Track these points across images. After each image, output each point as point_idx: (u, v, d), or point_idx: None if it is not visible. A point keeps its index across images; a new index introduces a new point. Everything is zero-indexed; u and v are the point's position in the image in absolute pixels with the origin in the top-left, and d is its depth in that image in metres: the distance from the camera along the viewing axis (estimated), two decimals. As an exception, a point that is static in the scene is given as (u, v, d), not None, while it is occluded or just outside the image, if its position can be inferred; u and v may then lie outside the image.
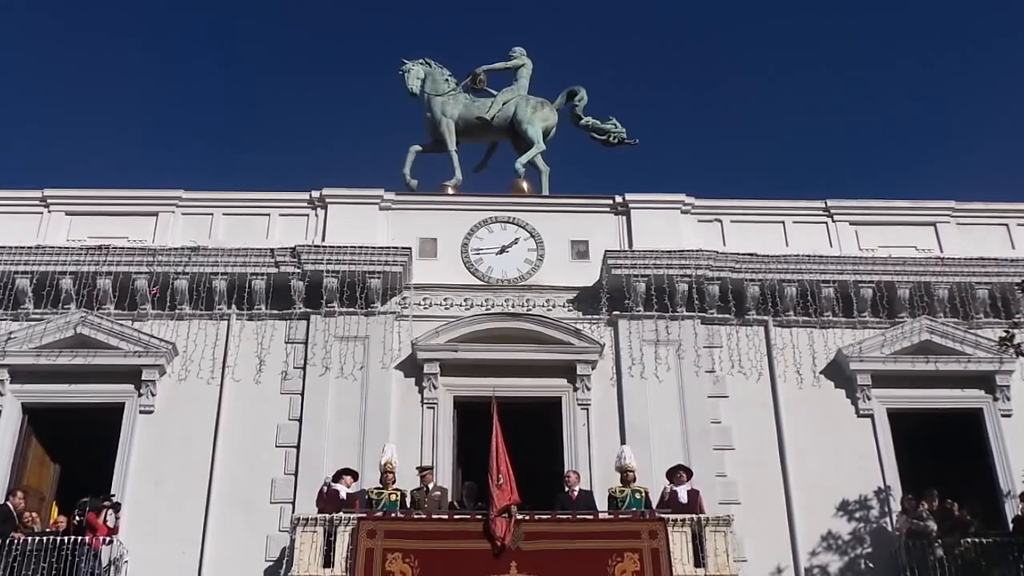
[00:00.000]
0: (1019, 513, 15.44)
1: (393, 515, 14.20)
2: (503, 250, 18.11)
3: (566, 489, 14.97)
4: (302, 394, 16.57)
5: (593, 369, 16.86)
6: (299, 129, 45.23)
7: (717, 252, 17.54)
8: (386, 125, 40.50)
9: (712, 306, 17.40)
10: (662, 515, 14.11)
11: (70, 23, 43.86)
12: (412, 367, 16.81)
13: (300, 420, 16.35)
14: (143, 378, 16.47)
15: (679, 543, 13.82)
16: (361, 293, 17.05)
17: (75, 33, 44.67)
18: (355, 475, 15.15)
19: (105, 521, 14.61)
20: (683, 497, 14.60)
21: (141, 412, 16.37)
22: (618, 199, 18.55)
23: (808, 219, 18.63)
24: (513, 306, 17.47)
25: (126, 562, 14.98)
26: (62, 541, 14.25)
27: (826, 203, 18.69)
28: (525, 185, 19.86)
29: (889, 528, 15.78)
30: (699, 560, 13.88)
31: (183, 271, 17.07)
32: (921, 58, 44.89)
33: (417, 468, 15.23)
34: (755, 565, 15.27)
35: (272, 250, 17.29)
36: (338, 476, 14.98)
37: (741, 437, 16.52)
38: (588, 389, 16.70)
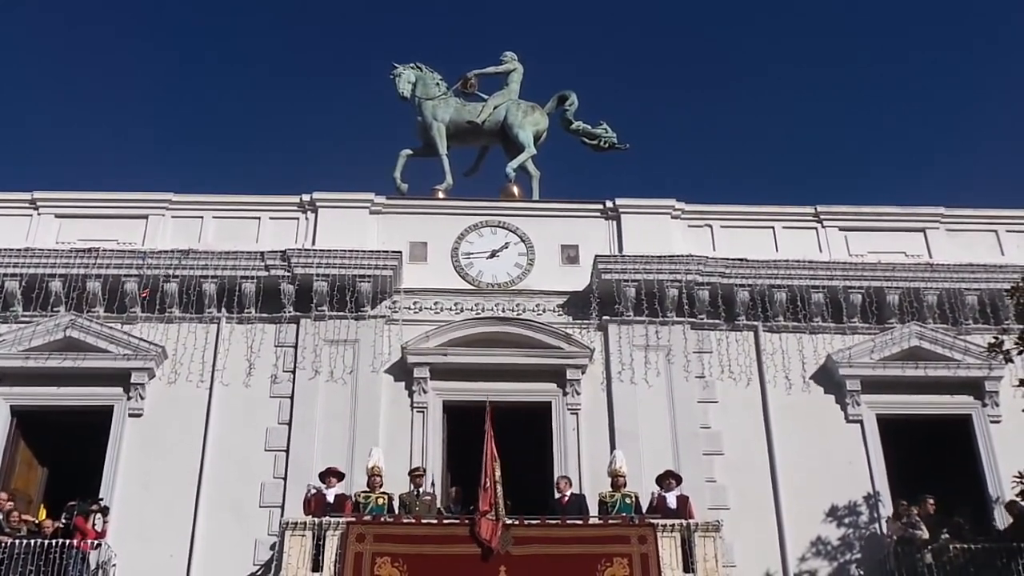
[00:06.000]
0: (1008, 519, 15.46)
1: (382, 519, 14.18)
2: (493, 254, 18.09)
3: (557, 495, 14.97)
4: (291, 398, 16.54)
5: (583, 374, 16.85)
6: (290, 133, 45.31)
7: (707, 257, 17.55)
8: (377, 129, 40.65)
9: (702, 311, 17.41)
10: (652, 520, 14.11)
11: (60, 25, 43.81)
12: (402, 371, 16.78)
13: (289, 424, 16.32)
14: (132, 381, 16.43)
15: (668, 548, 13.82)
16: (351, 297, 17.02)
17: (65, 36, 44.63)
18: (340, 475, 15.13)
19: (93, 525, 14.57)
20: (672, 503, 14.63)
21: (130, 415, 16.33)
22: (608, 204, 18.56)
23: (798, 224, 18.67)
24: (503, 310, 17.47)
25: (114, 566, 14.92)
26: (50, 545, 14.19)
27: (816, 208, 18.74)
28: (516, 189, 19.85)
29: (878, 534, 15.79)
30: (688, 565, 13.89)
31: (173, 274, 17.03)
32: (912, 64, 45.14)
33: (410, 472, 15.18)
34: (744, 570, 15.26)
35: (262, 253, 17.25)
36: (324, 476, 14.98)
37: (731, 442, 16.52)
38: (578, 394, 16.68)
